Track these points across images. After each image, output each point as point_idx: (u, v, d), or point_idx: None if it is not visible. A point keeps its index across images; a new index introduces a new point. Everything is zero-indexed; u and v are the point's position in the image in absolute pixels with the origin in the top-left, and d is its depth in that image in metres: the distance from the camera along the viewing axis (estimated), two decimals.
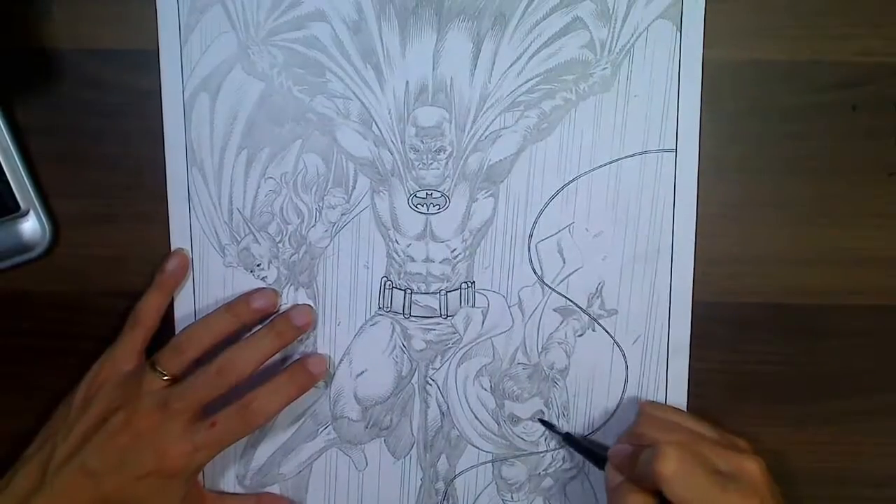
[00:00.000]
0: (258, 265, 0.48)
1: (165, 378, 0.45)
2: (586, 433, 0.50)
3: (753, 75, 0.47)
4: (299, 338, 0.49)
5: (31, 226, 0.48)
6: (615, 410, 0.49)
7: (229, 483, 0.50)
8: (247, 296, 0.48)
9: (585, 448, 0.48)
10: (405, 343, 0.49)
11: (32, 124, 0.48)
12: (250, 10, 0.46)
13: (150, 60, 0.47)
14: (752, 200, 0.48)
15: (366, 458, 0.50)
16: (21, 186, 0.47)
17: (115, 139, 0.48)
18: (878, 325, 0.49)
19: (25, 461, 0.46)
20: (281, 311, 0.48)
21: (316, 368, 0.47)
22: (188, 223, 0.48)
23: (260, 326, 0.48)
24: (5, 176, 0.47)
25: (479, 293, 0.49)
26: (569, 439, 0.49)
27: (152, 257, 0.49)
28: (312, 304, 0.49)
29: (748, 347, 0.49)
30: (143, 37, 0.47)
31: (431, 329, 0.49)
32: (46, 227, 0.48)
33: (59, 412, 0.47)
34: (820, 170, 0.48)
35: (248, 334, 0.47)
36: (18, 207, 0.47)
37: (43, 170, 0.48)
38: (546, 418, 0.50)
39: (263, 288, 0.48)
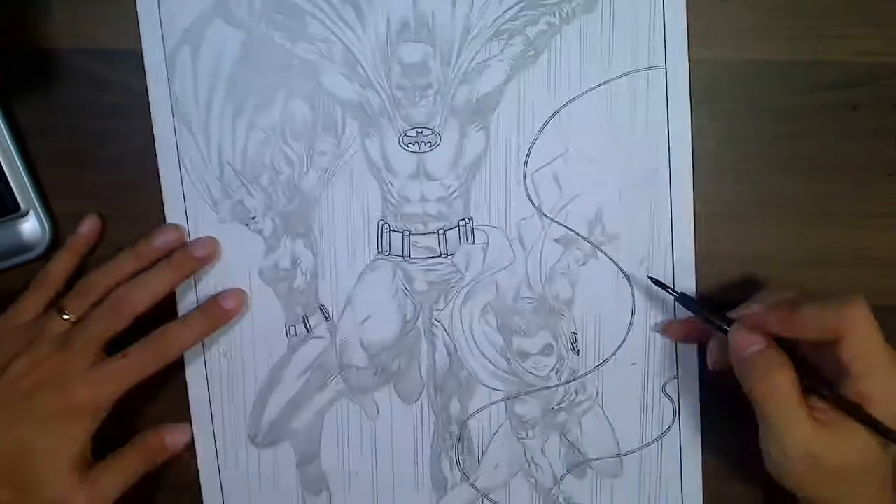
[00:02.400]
0: (252, 218, 0.49)
1: (67, 319, 0.45)
2: (596, 364, 0.50)
3: (753, 75, 0.48)
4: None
5: (31, 226, 0.49)
6: (626, 337, 0.49)
7: (241, 443, 0.51)
8: (151, 233, 0.48)
9: (704, 311, 0.45)
10: (407, 286, 0.49)
11: (32, 125, 0.49)
12: None
13: None
14: (752, 200, 0.48)
15: (377, 405, 0.50)
16: (21, 186, 0.48)
17: (115, 139, 0.49)
18: (879, 324, 0.49)
19: None
20: (182, 244, 0.48)
21: (229, 303, 0.48)
22: (179, 181, 0.48)
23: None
24: (5, 176, 0.48)
25: (478, 229, 0.49)
26: (684, 300, 0.47)
27: None
28: (311, 253, 0.49)
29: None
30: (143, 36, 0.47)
31: (433, 269, 0.49)
32: (46, 227, 0.49)
33: None
34: (819, 170, 0.48)
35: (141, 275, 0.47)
36: (18, 207, 0.48)
37: (43, 170, 0.49)
38: (558, 349, 0.50)
39: (167, 224, 0.48)
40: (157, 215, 0.49)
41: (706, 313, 0.45)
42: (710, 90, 0.48)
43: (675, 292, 0.47)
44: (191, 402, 0.50)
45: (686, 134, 0.48)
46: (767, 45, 0.48)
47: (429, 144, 0.48)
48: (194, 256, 0.48)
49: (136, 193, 0.49)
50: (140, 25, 0.47)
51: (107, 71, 0.48)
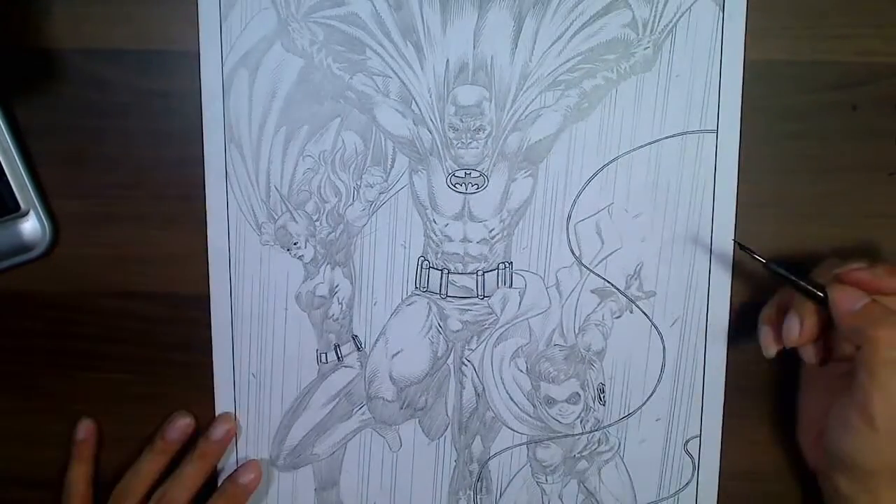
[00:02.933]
0: (295, 243, 0.49)
1: None
2: (622, 416, 0.50)
3: (753, 75, 0.48)
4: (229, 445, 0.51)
5: (31, 226, 0.49)
6: (652, 394, 0.50)
7: (263, 464, 0.51)
8: (164, 428, 0.50)
9: (794, 278, 0.43)
10: (441, 323, 0.50)
11: (33, 124, 0.49)
12: None
13: (150, 60, 0.48)
14: (752, 200, 0.49)
15: (400, 438, 0.51)
16: (21, 186, 0.48)
17: (115, 139, 0.49)
18: None
19: None
20: (203, 434, 0.50)
21: (246, 478, 0.50)
22: (225, 201, 0.49)
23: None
24: (5, 176, 0.48)
25: (517, 274, 0.49)
26: (775, 266, 0.44)
27: (152, 257, 0.50)
28: (349, 283, 0.49)
29: (749, 347, 0.49)
30: (143, 37, 0.48)
31: (468, 309, 0.50)
32: (46, 227, 0.49)
33: None
34: (820, 170, 0.49)
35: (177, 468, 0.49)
36: (18, 207, 0.48)
37: (43, 170, 0.49)
38: (584, 398, 0.50)
39: (176, 414, 0.50)
40: (157, 215, 0.49)
41: (798, 279, 0.43)
42: None
43: (764, 258, 0.45)
44: None
45: (731, 199, 0.48)
46: (767, 45, 0.48)
47: (476, 186, 0.49)
48: (215, 440, 0.49)
49: (136, 193, 0.49)
50: (200, 42, 0.48)
51: (107, 71, 0.48)
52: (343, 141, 0.48)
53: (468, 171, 0.48)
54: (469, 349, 0.50)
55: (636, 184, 0.48)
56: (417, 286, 0.50)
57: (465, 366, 0.50)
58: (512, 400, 0.51)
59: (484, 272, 0.49)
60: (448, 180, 0.49)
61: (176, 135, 0.49)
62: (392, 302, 0.50)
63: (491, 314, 0.50)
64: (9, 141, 0.47)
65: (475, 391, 0.50)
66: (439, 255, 0.49)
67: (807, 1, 0.47)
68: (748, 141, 0.48)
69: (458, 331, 0.50)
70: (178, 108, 0.48)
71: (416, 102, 0.48)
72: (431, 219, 0.49)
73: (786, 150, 0.48)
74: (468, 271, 0.49)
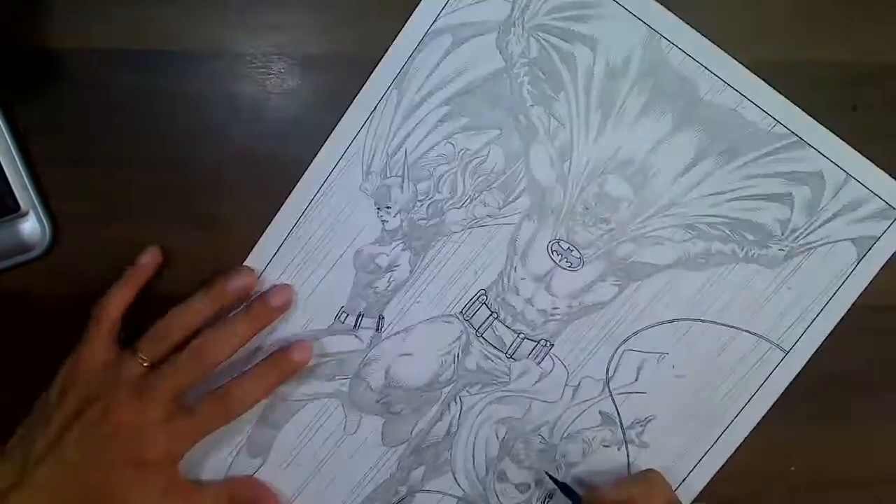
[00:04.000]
0: (388, 207, 0.49)
1: (145, 364, 0.45)
2: None
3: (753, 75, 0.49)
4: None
5: (31, 226, 0.49)
6: None
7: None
8: (223, 277, 0.48)
9: (567, 488, 0.49)
10: (460, 354, 0.50)
11: (33, 124, 0.49)
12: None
13: (150, 60, 0.48)
14: None
15: (358, 426, 0.51)
16: (21, 186, 0.48)
17: (115, 139, 0.49)
18: (879, 324, 0.51)
19: (5, 455, 0.45)
20: (261, 293, 0.49)
21: (299, 356, 0.48)
22: (358, 128, 0.48)
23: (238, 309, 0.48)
24: (5, 176, 0.48)
25: (551, 356, 0.50)
26: (552, 479, 0.50)
27: None
28: (409, 270, 0.49)
29: None
30: (144, 37, 0.48)
31: (490, 359, 0.50)
32: (46, 227, 0.49)
33: (38, 406, 0.46)
34: None
35: (225, 318, 0.48)
36: (18, 207, 0.48)
37: (43, 170, 0.49)
38: (532, 493, 0.51)
39: (242, 267, 0.49)
40: (157, 215, 0.49)
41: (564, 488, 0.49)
42: None
43: (560, 483, 0.50)
44: None
45: (761, 411, 0.50)
46: (768, 45, 0.49)
47: (569, 265, 0.49)
48: (271, 306, 0.48)
49: (136, 193, 0.49)
50: None
51: (107, 71, 0.48)
52: (489, 152, 0.48)
53: (571, 248, 0.49)
54: (468, 392, 0.51)
55: (696, 352, 0.50)
56: (463, 312, 0.50)
57: (455, 403, 0.51)
58: (472, 456, 0.51)
59: (525, 338, 0.50)
60: (550, 245, 0.49)
61: (176, 135, 0.49)
62: (433, 310, 0.50)
63: (506, 375, 0.51)
64: (9, 141, 0.47)
65: (448, 430, 0.51)
66: (498, 300, 0.50)
67: (807, 1, 0.48)
68: None
69: (470, 370, 0.50)
70: (179, 108, 0.49)
71: (570, 162, 0.48)
72: (514, 266, 0.49)
73: None
74: (513, 328, 0.50)
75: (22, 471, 0.44)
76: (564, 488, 0.49)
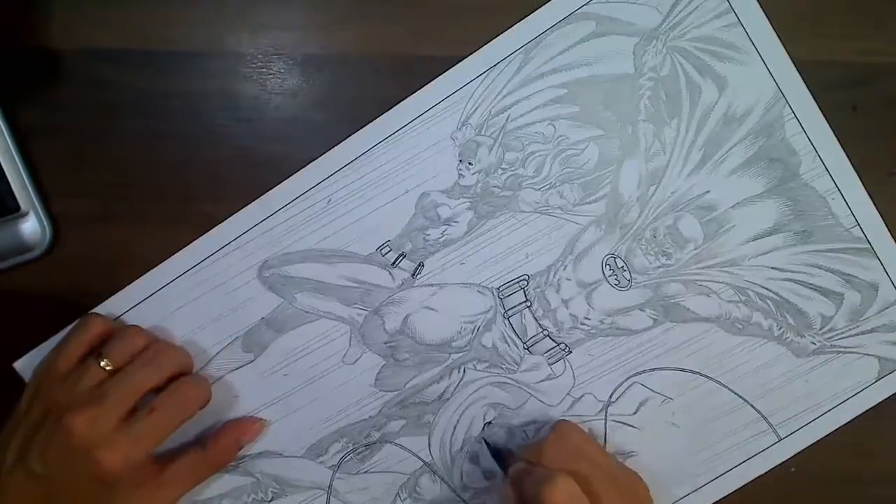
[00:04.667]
0: (469, 163, 0.48)
1: (108, 369, 0.45)
2: None
3: None
4: None
5: (31, 226, 0.49)
6: None
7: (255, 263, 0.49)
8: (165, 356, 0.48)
9: (498, 454, 0.49)
10: (481, 328, 0.50)
11: (33, 125, 0.49)
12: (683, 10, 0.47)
13: (149, 60, 0.49)
14: None
15: (357, 360, 0.50)
16: (21, 186, 0.48)
17: (115, 139, 0.49)
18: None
19: None
20: None
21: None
22: (473, 77, 0.48)
23: None
24: (5, 176, 0.48)
25: (565, 362, 0.50)
26: (486, 443, 0.50)
27: (152, 257, 0.49)
28: (465, 230, 0.49)
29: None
30: (142, 36, 0.48)
31: (507, 343, 0.50)
32: (46, 227, 0.49)
33: (10, 421, 0.46)
34: None
35: None
36: (18, 207, 0.48)
37: (43, 170, 0.49)
38: (493, 483, 0.51)
39: (180, 349, 0.49)
40: (157, 215, 0.49)
41: (497, 460, 0.49)
42: None
43: (484, 438, 0.50)
44: None
45: (734, 485, 0.51)
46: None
47: (617, 282, 0.50)
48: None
49: (136, 193, 0.49)
50: None
51: (107, 71, 0.49)
52: (586, 148, 0.48)
53: (625, 268, 0.49)
54: (474, 366, 0.50)
55: (699, 407, 0.51)
56: (500, 289, 0.50)
57: (458, 372, 0.51)
58: (454, 427, 0.51)
59: (548, 335, 0.50)
60: (606, 258, 0.49)
61: (176, 135, 0.49)
62: (474, 275, 0.50)
63: (515, 364, 0.51)
64: (9, 141, 0.48)
65: (441, 394, 0.51)
66: (538, 290, 0.50)
67: (807, 1, 0.49)
68: None
69: (484, 346, 0.50)
70: (179, 108, 0.49)
71: (657, 187, 0.49)
72: (565, 264, 0.49)
73: None
74: (541, 322, 0.50)
75: None
76: (496, 454, 0.49)
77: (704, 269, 0.49)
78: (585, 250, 0.49)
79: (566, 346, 0.50)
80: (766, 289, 0.50)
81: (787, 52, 0.48)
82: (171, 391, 0.46)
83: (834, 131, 0.49)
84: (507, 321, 0.50)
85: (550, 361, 0.50)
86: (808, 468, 0.51)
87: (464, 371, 0.50)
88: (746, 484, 0.51)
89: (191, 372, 0.49)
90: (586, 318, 0.50)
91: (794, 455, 0.51)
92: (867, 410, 0.50)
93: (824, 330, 0.50)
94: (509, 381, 0.51)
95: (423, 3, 0.48)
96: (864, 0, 0.48)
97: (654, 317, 0.50)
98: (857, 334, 0.50)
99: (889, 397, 0.50)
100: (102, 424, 0.43)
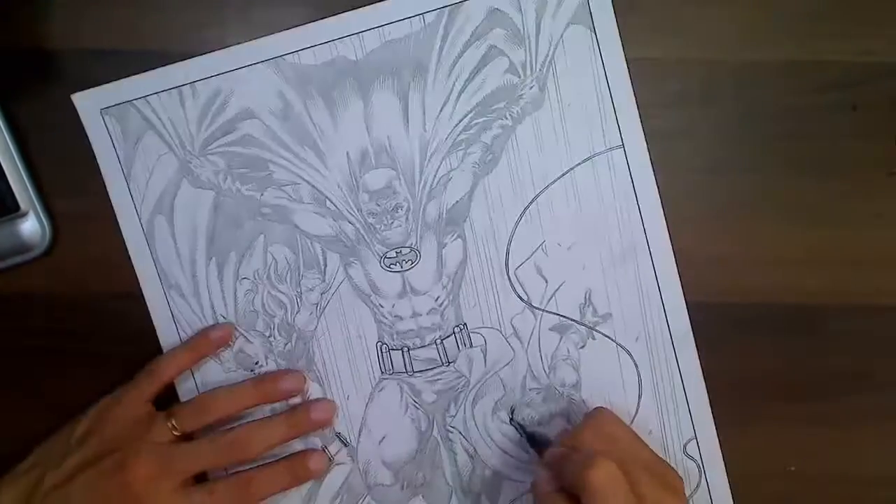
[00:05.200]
0: (256, 363, 0.51)
1: (175, 433, 0.47)
2: None
3: (753, 75, 0.48)
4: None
5: (31, 226, 0.49)
6: (637, 410, 0.51)
7: None
8: (276, 375, 0.50)
9: (532, 438, 0.50)
10: (416, 399, 0.51)
11: (32, 124, 0.49)
12: (181, 126, 0.49)
13: (149, 60, 0.48)
14: (752, 200, 0.49)
15: None
16: (21, 186, 0.48)
17: None
18: (878, 324, 0.50)
19: (15, 478, 0.47)
20: (304, 402, 0.50)
21: (315, 465, 0.50)
22: (179, 342, 0.51)
23: (279, 412, 0.50)
24: (5, 176, 0.48)
25: (474, 333, 0.50)
26: (521, 428, 0.51)
27: None
28: (318, 384, 0.51)
29: (747, 348, 0.50)
30: (142, 36, 0.49)
31: (438, 379, 0.51)
32: (46, 227, 0.49)
33: (59, 437, 0.48)
34: (819, 170, 0.49)
35: (266, 417, 0.50)
36: (18, 207, 0.48)
37: (43, 170, 0.50)
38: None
39: (293, 371, 0.50)
40: None
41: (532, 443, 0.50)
42: (711, 91, 0.48)
43: (514, 425, 0.51)
44: None
45: (656, 203, 0.49)
46: (768, 45, 0.48)
47: (410, 262, 0.50)
48: (312, 419, 0.49)
49: None
50: (112, 201, 0.49)
51: (107, 71, 0.49)
52: (272, 255, 0.50)
53: (398, 250, 0.50)
54: (450, 416, 0.51)
55: (561, 217, 0.49)
56: (383, 371, 0.51)
57: (451, 432, 0.51)
58: (505, 452, 0.51)
59: (442, 340, 0.51)
60: (382, 263, 0.50)
61: None
62: (363, 392, 0.51)
63: (461, 377, 0.51)
64: (8, 141, 0.48)
65: (468, 454, 0.51)
66: (395, 336, 0.51)
67: (807, 1, 0.48)
68: (747, 141, 0.49)
69: (434, 402, 0.51)
70: None
71: (329, 201, 0.49)
72: (377, 304, 0.50)
73: (786, 150, 0.49)
74: (427, 343, 0.51)
75: (27, 500, 0.45)
76: (531, 438, 0.50)
77: (424, 176, 0.49)
78: (370, 281, 0.50)
79: (457, 327, 0.51)
80: (461, 120, 0.49)
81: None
82: (236, 481, 0.47)
83: (834, 131, 0.49)
84: (416, 374, 0.51)
85: (468, 345, 0.51)
86: (809, 468, 0.50)
87: (453, 429, 0.51)
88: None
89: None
90: (437, 300, 0.50)
91: (810, 359, 0.50)
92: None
93: (523, 73, 0.48)
94: (475, 388, 0.51)
95: None
96: (864, 0, 0.49)
97: (457, 233, 0.50)
98: (536, 41, 0.48)
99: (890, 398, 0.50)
100: (161, 485, 0.45)
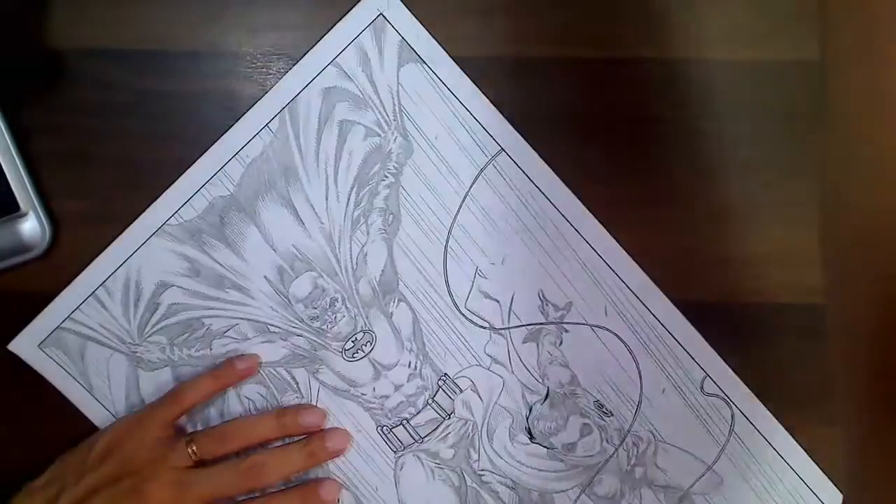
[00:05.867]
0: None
1: (194, 459, 0.47)
2: (634, 411, 0.51)
3: (753, 75, 0.49)
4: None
5: (31, 226, 0.49)
6: (640, 375, 0.51)
7: None
8: (297, 409, 0.50)
9: None
10: (437, 462, 0.52)
11: (33, 124, 0.49)
12: (112, 325, 0.51)
13: (149, 60, 0.49)
14: (752, 200, 0.49)
15: None
16: (21, 186, 0.49)
17: (115, 139, 0.50)
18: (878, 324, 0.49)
19: (31, 493, 0.47)
20: (319, 431, 0.51)
21: (327, 495, 0.50)
22: None
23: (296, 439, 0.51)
24: (5, 176, 0.48)
25: (458, 378, 0.51)
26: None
27: None
28: (347, 490, 0.52)
29: (747, 348, 0.50)
30: (142, 37, 0.49)
31: (447, 434, 0.52)
32: (46, 227, 0.49)
33: (76, 454, 0.48)
34: (819, 170, 0.48)
35: (282, 445, 0.50)
36: (18, 207, 0.48)
37: (43, 170, 0.50)
38: (593, 422, 0.51)
39: (314, 406, 0.51)
40: None
41: None
42: (710, 90, 0.49)
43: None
44: None
45: (557, 182, 0.49)
46: (767, 45, 0.48)
47: (369, 344, 0.51)
48: (328, 448, 0.50)
49: (136, 194, 0.50)
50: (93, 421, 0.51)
51: (107, 71, 0.49)
52: (247, 398, 0.51)
53: (353, 339, 0.51)
54: (475, 462, 0.52)
55: (480, 238, 0.50)
56: (395, 450, 0.52)
57: (483, 475, 0.52)
58: (541, 471, 0.52)
59: (433, 398, 0.51)
60: (344, 356, 0.51)
61: (176, 135, 0.50)
62: (387, 477, 0.52)
63: (468, 423, 0.51)
64: (8, 141, 0.48)
65: (508, 488, 0.52)
66: (389, 415, 0.51)
67: (807, 1, 0.48)
68: (747, 141, 0.49)
69: (454, 456, 0.52)
70: (178, 109, 0.50)
71: (269, 325, 0.51)
72: (360, 394, 0.51)
73: (786, 149, 0.49)
74: (421, 408, 0.51)
75: None
76: None
77: (342, 262, 0.50)
78: (343, 378, 0.51)
79: (440, 380, 0.51)
80: (353, 194, 0.50)
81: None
82: None
83: None
84: (426, 440, 0.52)
85: (461, 390, 0.51)
86: None
87: (483, 471, 0.52)
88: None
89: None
90: (410, 365, 0.51)
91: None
92: None
93: (385, 128, 0.49)
94: (484, 425, 0.51)
95: None
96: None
97: (397, 297, 0.51)
98: None
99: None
100: None
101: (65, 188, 0.50)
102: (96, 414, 0.51)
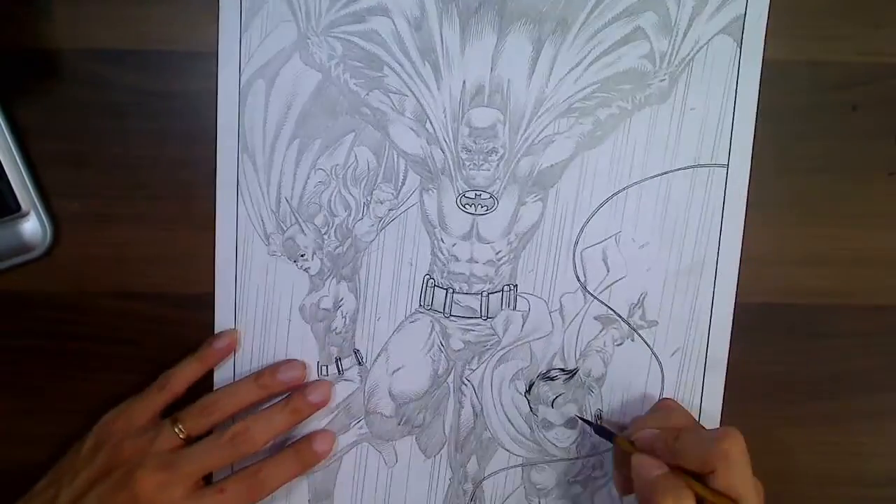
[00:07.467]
0: (302, 255, 0.50)
1: (181, 437, 0.47)
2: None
3: None
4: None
5: (31, 226, 0.49)
6: None
7: None
8: (274, 367, 0.50)
9: (601, 429, 0.50)
10: (443, 342, 0.51)
11: (32, 124, 0.49)
12: (312, 1, 0.48)
13: (150, 60, 0.49)
14: (752, 200, 0.50)
15: (396, 454, 0.52)
16: (21, 186, 0.49)
17: (115, 139, 0.49)
18: (878, 324, 0.51)
19: (31, 497, 0.47)
20: (300, 386, 0.50)
21: (321, 447, 0.50)
22: (235, 210, 0.50)
23: (277, 400, 0.50)
24: (5, 176, 0.48)
25: (521, 297, 0.50)
26: (585, 421, 0.51)
27: (152, 257, 0.50)
28: (354, 297, 0.50)
29: (748, 347, 0.51)
30: (143, 37, 0.49)
31: (470, 329, 0.51)
32: (46, 227, 0.49)
33: (69, 455, 0.48)
34: (819, 170, 0.50)
35: (265, 406, 0.49)
36: (18, 207, 0.49)
37: (43, 170, 0.50)
38: (582, 423, 0.51)
39: (292, 360, 0.50)
40: (157, 215, 0.50)
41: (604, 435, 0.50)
42: None
43: (592, 423, 0.51)
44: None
45: (738, 234, 0.50)
46: (767, 45, 0.48)
47: (485, 208, 0.50)
48: (310, 401, 0.49)
49: (136, 193, 0.50)
50: (219, 51, 0.48)
51: (107, 71, 0.49)
52: (356, 156, 0.49)
53: (479, 193, 0.49)
54: (469, 369, 0.51)
55: (645, 214, 0.50)
56: (422, 304, 0.51)
57: (465, 385, 0.51)
58: (510, 422, 0.52)
59: (489, 293, 0.50)
60: (458, 200, 0.50)
61: (176, 135, 0.49)
62: (395, 318, 0.51)
63: (493, 335, 0.51)
64: (9, 141, 0.48)
65: (473, 411, 0.51)
66: (445, 275, 0.50)
67: (807, 1, 0.48)
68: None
69: (459, 350, 0.51)
70: (179, 108, 0.49)
71: (430, 122, 0.49)
72: (439, 238, 0.50)
73: (786, 150, 0.49)
74: (473, 291, 0.50)
75: None
76: (598, 429, 0.50)
77: (528, 130, 0.49)
78: (440, 214, 0.50)
79: (508, 286, 0.50)
80: (583, 89, 0.49)
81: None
82: (244, 475, 0.47)
83: (834, 131, 0.49)
84: (451, 318, 0.51)
85: (512, 307, 0.51)
86: (809, 468, 0.51)
87: (468, 381, 0.51)
88: None
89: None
90: (497, 253, 0.50)
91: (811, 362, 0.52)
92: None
93: (659, 63, 0.48)
94: (503, 351, 0.51)
95: None
96: (864, 0, 0.48)
97: (540, 196, 0.50)
98: (684, 37, 0.48)
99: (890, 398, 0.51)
100: (171, 492, 0.45)
101: (65, 188, 0.50)
102: (227, 50, 0.48)
